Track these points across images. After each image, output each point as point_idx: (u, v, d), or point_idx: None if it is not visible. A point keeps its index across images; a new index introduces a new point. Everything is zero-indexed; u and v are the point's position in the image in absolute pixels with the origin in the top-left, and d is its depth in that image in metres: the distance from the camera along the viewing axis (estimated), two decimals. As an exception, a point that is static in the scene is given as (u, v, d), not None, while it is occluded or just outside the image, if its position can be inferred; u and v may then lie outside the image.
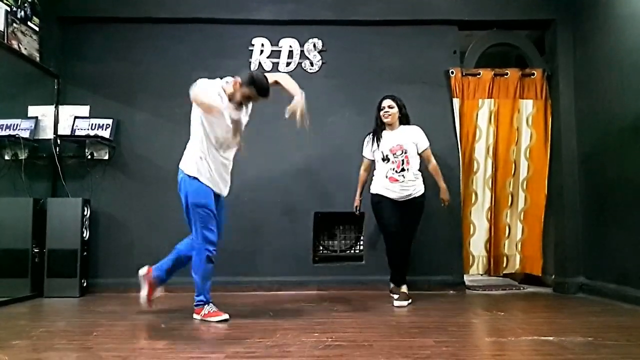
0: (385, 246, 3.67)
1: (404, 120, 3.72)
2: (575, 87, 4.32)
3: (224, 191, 3.12)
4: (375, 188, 3.68)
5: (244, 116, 3.13)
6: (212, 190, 3.00)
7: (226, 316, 2.94)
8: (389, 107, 3.65)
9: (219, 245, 3.05)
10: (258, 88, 2.90)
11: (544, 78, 4.44)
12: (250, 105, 3.14)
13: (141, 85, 4.36)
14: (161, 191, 4.16)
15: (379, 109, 3.70)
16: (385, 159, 3.62)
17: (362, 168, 3.81)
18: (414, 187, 3.61)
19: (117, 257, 4.18)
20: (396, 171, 3.58)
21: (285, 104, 3.00)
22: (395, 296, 3.58)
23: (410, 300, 3.52)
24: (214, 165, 2.99)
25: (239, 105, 3.00)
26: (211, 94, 2.83)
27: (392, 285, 3.70)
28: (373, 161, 3.75)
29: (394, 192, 3.59)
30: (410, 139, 3.65)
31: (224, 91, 2.97)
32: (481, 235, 4.39)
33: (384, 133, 3.68)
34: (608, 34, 3.85)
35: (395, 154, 3.60)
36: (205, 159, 2.96)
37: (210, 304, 3.01)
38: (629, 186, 3.55)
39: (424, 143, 3.70)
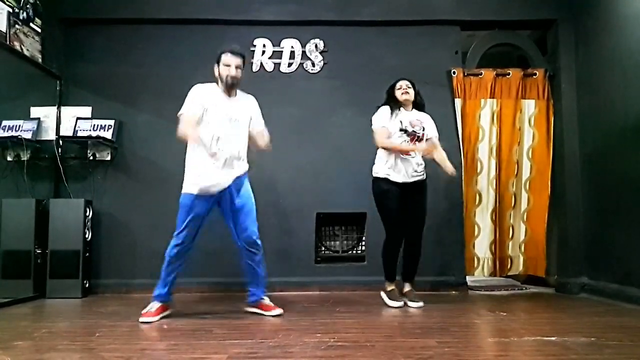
0: (386, 239, 3.48)
1: (417, 108, 3.62)
2: (577, 87, 4.32)
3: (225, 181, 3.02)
4: (382, 170, 3.50)
5: (244, 110, 3.12)
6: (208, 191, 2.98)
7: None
8: (407, 86, 3.55)
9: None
10: (227, 50, 3.02)
11: (546, 78, 4.44)
12: (245, 98, 3.17)
13: (143, 87, 4.37)
14: (163, 192, 4.16)
15: (395, 88, 3.58)
16: (404, 129, 3.45)
17: (385, 137, 3.47)
18: (422, 169, 3.52)
19: (119, 258, 4.19)
20: (410, 143, 3.45)
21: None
22: (391, 301, 3.46)
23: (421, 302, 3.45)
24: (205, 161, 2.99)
25: (230, 88, 3.04)
26: (190, 118, 2.96)
27: (390, 285, 3.54)
28: (388, 131, 3.50)
29: (403, 172, 3.43)
30: (427, 122, 3.58)
31: (217, 82, 3.06)
32: (486, 236, 4.39)
33: (401, 109, 3.54)
34: (610, 34, 3.85)
35: (414, 127, 3.47)
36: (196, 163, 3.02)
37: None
38: (631, 186, 3.55)
39: (434, 131, 3.63)
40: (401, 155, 3.43)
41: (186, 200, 3.01)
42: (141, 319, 2.92)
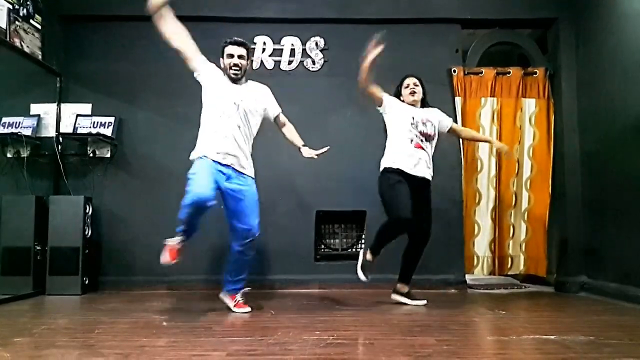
0: (386, 227, 3.27)
1: (425, 105, 3.53)
2: (577, 86, 4.31)
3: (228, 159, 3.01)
4: (393, 161, 3.32)
5: (253, 99, 3.14)
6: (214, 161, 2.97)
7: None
8: (415, 84, 3.43)
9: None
10: (229, 41, 3.08)
11: (546, 77, 4.43)
12: (256, 87, 3.19)
13: (143, 84, 4.36)
14: (163, 189, 4.17)
15: (402, 86, 3.47)
16: (414, 124, 3.32)
17: (374, 89, 3.35)
18: (430, 168, 3.41)
19: (119, 255, 4.19)
20: (421, 140, 3.34)
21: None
22: (362, 274, 3.35)
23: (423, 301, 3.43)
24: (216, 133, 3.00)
25: (235, 79, 3.08)
26: None
27: (370, 256, 3.36)
28: (375, 99, 3.41)
29: (415, 164, 3.29)
30: (436, 118, 3.48)
31: (222, 70, 3.13)
32: (485, 235, 4.39)
33: (408, 106, 3.43)
34: (611, 33, 3.84)
35: (425, 123, 3.36)
36: (206, 131, 3.03)
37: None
38: (631, 185, 3.55)
39: (448, 120, 3.57)
40: (413, 148, 3.31)
41: (196, 164, 2.97)
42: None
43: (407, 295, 3.50)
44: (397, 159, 3.32)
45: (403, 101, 3.45)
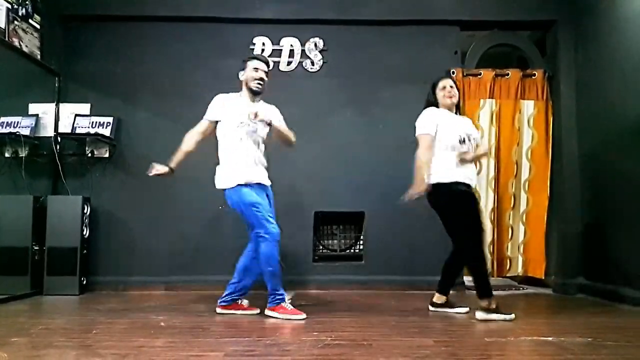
0: (476, 250, 3.00)
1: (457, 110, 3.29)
2: (576, 88, 4.32)
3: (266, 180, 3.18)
4: (454, 175, 3.00)
5: (267, 116, 3.14)
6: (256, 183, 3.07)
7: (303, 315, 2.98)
8: (451, 87, 3.16)
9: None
10: (255, 56, 3.23)
11: (545, 79, 4.44)
12: (267, 107, 3.22)
13: (142, 84, 4.36)
14: (161, 190, 4.16)
15: (438, 88, 3.19)
16: (462, 141, 3.05)
17: (426, 147, 3.00)
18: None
19: (116, 255, 4.18)
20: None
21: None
22: (508, 315, 2.98)
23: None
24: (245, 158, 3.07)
25: (256, 93, 3.13)
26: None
27: (489, 301, 3.00)
28: (433, 135, 3.06)
29: (473, 179, 3.08)
30: (472, 127, 3.25)
31: (242, 87, 3.17)
32: (484, 237, 4.38)
33: (449, 114, 3.14)
34: (609, 35, 3.85)
35: (469, 137, 3.10)
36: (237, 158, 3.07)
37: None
38: (629, 187, 3.55)
39: (478, 135, 3.29)
40: (469, 164, 3.07)
41: (240, 192, 3.01)
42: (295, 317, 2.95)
43: (446, 304, 3.29)
44: (454, 174, 3.01)
45: (438, 107, 3.17)
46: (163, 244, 4.17)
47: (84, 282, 3.96)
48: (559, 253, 4.31)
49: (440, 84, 3.19)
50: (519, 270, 4.42)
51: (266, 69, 3.17)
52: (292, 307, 3.00)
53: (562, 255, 4.27)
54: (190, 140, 3.11)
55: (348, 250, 4.48)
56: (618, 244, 3.69)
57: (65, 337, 2.50)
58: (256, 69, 3.12)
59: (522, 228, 4.43)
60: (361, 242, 4.42)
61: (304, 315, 2.94)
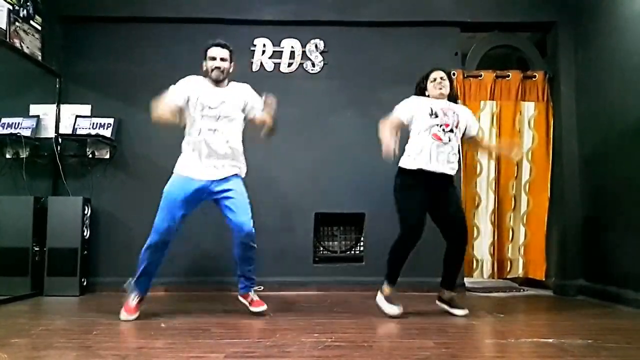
0: (401, 237, 3.08)
1: (453, 101, 3.25)
2: (576, 89, 4.32)
3: (213, 174, 3.02)
4: (410, 162, 3.05)
5: (235, 101, 3.10)
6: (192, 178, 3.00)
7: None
8: (442, 78, 3.14)
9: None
10: (211, 44, 3.06)
11: (545, 80, 4.44)
12: (238, 87, 3.15)
13: (143, 85, 4.35)
14: (162, 190, 4.15)
15: (428, 79, 3.18)
16: (433, 114, 3.04)
17: (389, 123, 3.03)
18: (455, 162, 3.12)
19: (117, 256, 4.18)
20: (443, 130, 3.04)
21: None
22: (390, 307, 3.09)
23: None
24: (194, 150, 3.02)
25: (217, 81, 3.06)
26: (165, 100, 3.04)
27: (389, 288, 3.15)
28: (402, 126, 3.11)
29: (433, 158, 3.01)
30: (464, 116, 3.18)
31: (204, 74, 3.10)
32: (485, 238, 4.38)
33: (434, 102, 3.12)
34: (610, 36, 3.85)
35: (446, 113, 3.06)
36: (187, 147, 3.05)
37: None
38: (630, 188, 3.55)
39: (477, 124, 3.30)
40: (432, 139, 3.03)
41: (167, 185, 3.03)
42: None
43: (449, 302, 3.25)
44: (412, 154, 3.07)
45: (428, 96, 3.18)
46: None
47: (85, 283, 3.97)
48: (559, 254, 4.31)
49: (432, 75, 3.18)
50: (520, 272, 4.42)
51: (224, 55, 3.03)
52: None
53: (562, 256, 4.27)
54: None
55: (348, 252, 4.48)
56: (618, 246, 3.69)
57: (65, 338, 2.50)
58: (213, 58, 3.02)
59: (522, 230, 4.43)
60: (361, 243, 4.42)
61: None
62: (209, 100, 3.01)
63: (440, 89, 3.14)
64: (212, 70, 3.03)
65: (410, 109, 3.12)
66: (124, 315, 2.94)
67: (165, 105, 3.00)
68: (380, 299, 3.15)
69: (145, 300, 3.09)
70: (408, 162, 3.08)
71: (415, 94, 3.24)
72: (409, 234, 3.07)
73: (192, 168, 3.01)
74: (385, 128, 3.00)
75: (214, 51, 3.04)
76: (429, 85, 3.18)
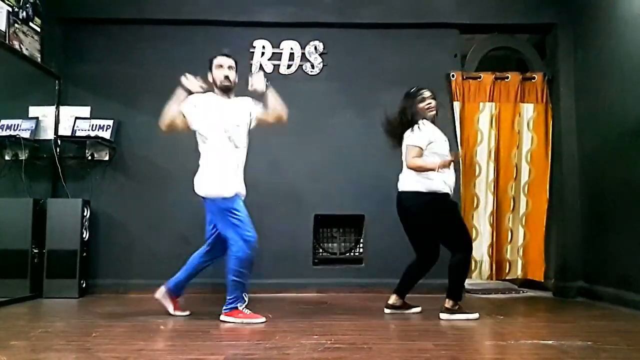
0: (467, 255, 3.14)
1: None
2: (575, 91, 4.33)
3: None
4: (438, 184, 3.09)
5: (243, 114, 3.13)
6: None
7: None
8: (433, 99, 3.21)
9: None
10: (218, 54, 3.12)
11: (544, 82, 4.45)
12: (242, 101, 3.17)
13: (142, 87, 4.36)
14: (161, 192, 4.18)
15: (420, 99, 3.20)
16: (449, 150, 3.22)
17: (416, 155, 3.09)
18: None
19: (116, 258, 4.18)
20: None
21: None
22: (472, 314, 3.11)
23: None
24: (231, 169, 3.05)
25: (226, 90, 3.09)
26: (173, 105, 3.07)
27: (452, 301, 3.13)
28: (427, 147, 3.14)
29: (450, 184, 3.15)
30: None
31: (213, 88, 3.11)
32: (484, 239, 4.38)
33: (437, 130, 3.22)
34: (609, 38, 3.86)
35: (450, 147, 3.26)
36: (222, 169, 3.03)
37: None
38: (629, 190, 3.55)
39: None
40: (449, 171, 3.13)
41: (234, 201, 3.00)
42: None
43: (399, 306, 3.32)
44: (440, 182, 3.10)
45: (419, 112, 3.19)
46: (163, 247, 4.16)
47: (84, 285, 3.96)
48: (558, 256, 4.31)
49: (425, 100, 3.20)
50: (519, 273, 4.41)
51: (231, 63, 3.10)
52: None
53: (561, 258, 4.27)
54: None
55: (348, 253, 4.48)
56: (618, 247, 3.69)
57: (64, 340, 2.49)
58: (220, 66, 3.07)
59: (521, 231, 4.43)
60: (361, 245, 4.42)
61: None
62: (231, 120, 3.04)
63: (433, 109, 3.22)
64: (222, 79, 3.06)
65: (428, 138, 3.13)
66: (256, 319, 2.95)
67: (179, 122, 3.07)
68: (455, 316, 3.09)
69: (146, 301, 3.09)
70: (441, 185, 3.09)
71: (411, 117, 3.18)
72: (471, 249, 3.21)
73: (237, 185, 3.05)
74: (424, 163, 3.07)
75: (221, 60, 3.09)
76: (420, 105, 3.19)
